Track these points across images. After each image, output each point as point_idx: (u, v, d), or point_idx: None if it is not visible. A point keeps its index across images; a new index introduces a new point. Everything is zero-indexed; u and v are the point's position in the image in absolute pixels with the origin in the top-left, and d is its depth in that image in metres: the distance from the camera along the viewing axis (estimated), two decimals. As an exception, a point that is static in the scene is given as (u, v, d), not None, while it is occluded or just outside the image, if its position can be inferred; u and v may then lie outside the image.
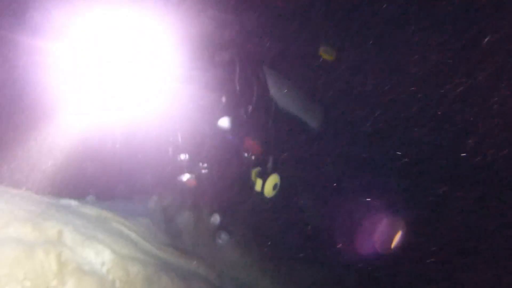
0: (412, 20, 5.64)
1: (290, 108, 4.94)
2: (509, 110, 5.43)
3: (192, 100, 4.01)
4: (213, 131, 4.20)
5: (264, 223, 5.60)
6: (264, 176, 4.29)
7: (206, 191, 4.58)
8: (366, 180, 6.39)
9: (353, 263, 6.23)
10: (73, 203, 3.53)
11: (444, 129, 5.85)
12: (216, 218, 4.71)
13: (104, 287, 2.78)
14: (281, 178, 4.38)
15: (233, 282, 4.64)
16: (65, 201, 3.49)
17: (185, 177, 4.31)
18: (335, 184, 6.39)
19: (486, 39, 5.30)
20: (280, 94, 4.73)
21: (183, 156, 4.23)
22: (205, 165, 4.29)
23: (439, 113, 5.78)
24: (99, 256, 2.88)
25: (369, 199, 6.28)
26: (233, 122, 4.20)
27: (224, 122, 4.19)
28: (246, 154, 4.39)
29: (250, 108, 4.26)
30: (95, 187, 4.56)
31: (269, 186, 4.33)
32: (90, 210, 3.59)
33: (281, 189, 4.41)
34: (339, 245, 6.26)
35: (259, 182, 4.31)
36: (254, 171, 4.41)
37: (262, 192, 4.31)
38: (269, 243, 5.59)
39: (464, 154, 5.72)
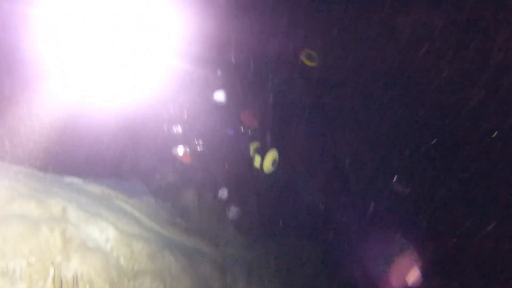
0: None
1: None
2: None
3: (186, 74, 3.93)
4: (209, 106, 4.13)
5: (265, 201, 5.57)
6: (262, 152, 4.24)
7: (204, 168, 4.53)
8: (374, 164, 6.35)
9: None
10: (77, 181, 3.54)
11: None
12: (223, 193, 4.63)
13: (108, 263, 2.81)
14: (280, 154, 4.33)
15: (236, 259, 4.68)
16: (69, 179, 3.50)
17: (179, 150, 4.24)
18: (338, 165, 6.34)
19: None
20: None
21: (176, 129, 4.16)
22: (201, 141, 4.23)
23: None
24: (103, 233, 2.90)
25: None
26: (229, 96, 4.11)
27: (220, 96, 4.10)
28: (242, 129, 4.32)
29: (246, 82, 4.17)
30: (100, 166, 4.55)
31: (268, 162, 4.26)
32: (94, 188, 3.60)
33: (280, 165, 4.37)
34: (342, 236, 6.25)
35: (257, 159, 4.25)
36: (252, 146, 4.34)
37: (261, 169, 4.26)
38: (274, 222, 5.59)
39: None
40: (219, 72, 4.07)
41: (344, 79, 5.89)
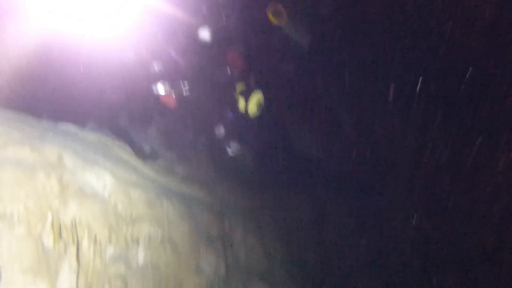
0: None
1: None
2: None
3: (168, 10, 3.61)
4: (194, 45, 3.83)
5: (255, 149, 5.44)
6: (246, 94, 4.00)
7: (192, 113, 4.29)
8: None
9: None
10: (72, 128, 3.49)
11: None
12: (221, 130, 4.37)
13: (106, 209, 2.83)
14: (266, 97, 4.09)
15: (234, 208, 4.76)
16: (64, 126, 3.45)
17: (160, 88, 3.90)
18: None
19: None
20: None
21: (156, 66, 3.79)
22: (186, 84, 3.92)
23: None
24: (100, 180, 2.90)
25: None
26: (215, 34, 3.81)
27: (205, 34, 3.81)
28: (228, 69, 4.04)
29: (232, 18, 3.87)
30: (95, 115, 4.43)
31: (252, 105, 4.05)
32: (90, 136, 3.56)
33: (266, 109, 4.14)
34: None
35: (242, 101, 4.02)
36: (237, 87, 4.11)
37: (246, 112, 4.06)
38: (266, 171, 5.56)
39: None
40: (204, 8, 3.76)
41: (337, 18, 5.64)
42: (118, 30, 3.46)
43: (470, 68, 5.41)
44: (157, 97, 3.97)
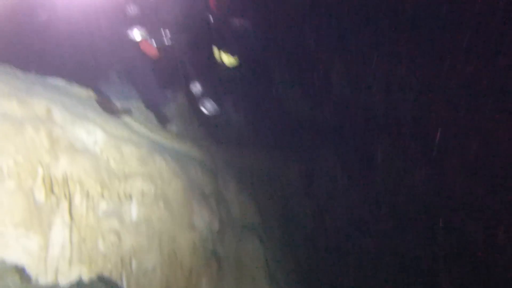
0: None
1: None
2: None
3: None
4: None
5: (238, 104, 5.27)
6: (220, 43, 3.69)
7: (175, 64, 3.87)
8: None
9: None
10: (61, 82, 3.39)
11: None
12: (196, 86, 3.92)
13: (98, 165, 2.81)
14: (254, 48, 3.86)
15: (227, 165, 4.77)
16: (52, 80, 3.34)
17: (136, 34, 3.60)
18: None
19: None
20: None
21: (132, 9, 3.49)
22: (168, 33, 3.61)
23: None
24: (91, 135, 2.85)
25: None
26: None
27: None
28: (212, 17, 3.64)
29: None
30: (88, 70, 4.27)
31: (225, 54, 3.76)
32: (80, 91, 3.47)
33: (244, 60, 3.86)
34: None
35: (216, 51, 3.73)
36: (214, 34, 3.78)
37: (223, 62, 3.77)
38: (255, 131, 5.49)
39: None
40: None
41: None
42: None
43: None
44: (136, 45, 3.72)
